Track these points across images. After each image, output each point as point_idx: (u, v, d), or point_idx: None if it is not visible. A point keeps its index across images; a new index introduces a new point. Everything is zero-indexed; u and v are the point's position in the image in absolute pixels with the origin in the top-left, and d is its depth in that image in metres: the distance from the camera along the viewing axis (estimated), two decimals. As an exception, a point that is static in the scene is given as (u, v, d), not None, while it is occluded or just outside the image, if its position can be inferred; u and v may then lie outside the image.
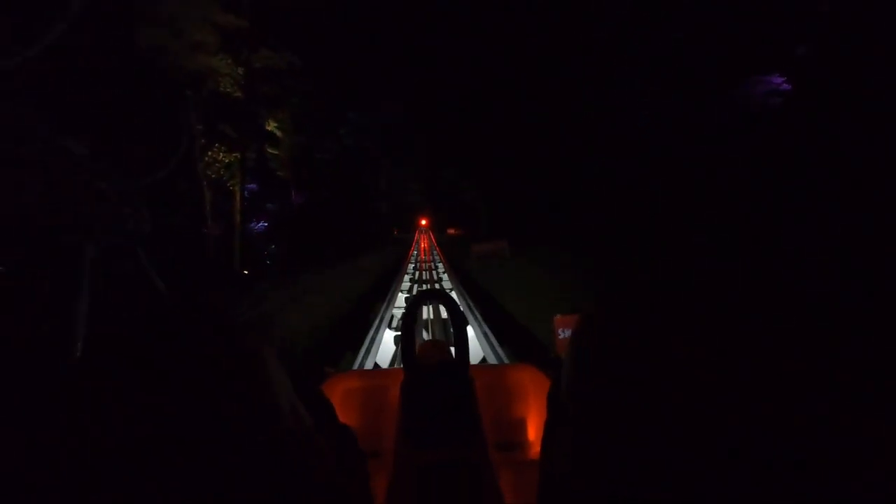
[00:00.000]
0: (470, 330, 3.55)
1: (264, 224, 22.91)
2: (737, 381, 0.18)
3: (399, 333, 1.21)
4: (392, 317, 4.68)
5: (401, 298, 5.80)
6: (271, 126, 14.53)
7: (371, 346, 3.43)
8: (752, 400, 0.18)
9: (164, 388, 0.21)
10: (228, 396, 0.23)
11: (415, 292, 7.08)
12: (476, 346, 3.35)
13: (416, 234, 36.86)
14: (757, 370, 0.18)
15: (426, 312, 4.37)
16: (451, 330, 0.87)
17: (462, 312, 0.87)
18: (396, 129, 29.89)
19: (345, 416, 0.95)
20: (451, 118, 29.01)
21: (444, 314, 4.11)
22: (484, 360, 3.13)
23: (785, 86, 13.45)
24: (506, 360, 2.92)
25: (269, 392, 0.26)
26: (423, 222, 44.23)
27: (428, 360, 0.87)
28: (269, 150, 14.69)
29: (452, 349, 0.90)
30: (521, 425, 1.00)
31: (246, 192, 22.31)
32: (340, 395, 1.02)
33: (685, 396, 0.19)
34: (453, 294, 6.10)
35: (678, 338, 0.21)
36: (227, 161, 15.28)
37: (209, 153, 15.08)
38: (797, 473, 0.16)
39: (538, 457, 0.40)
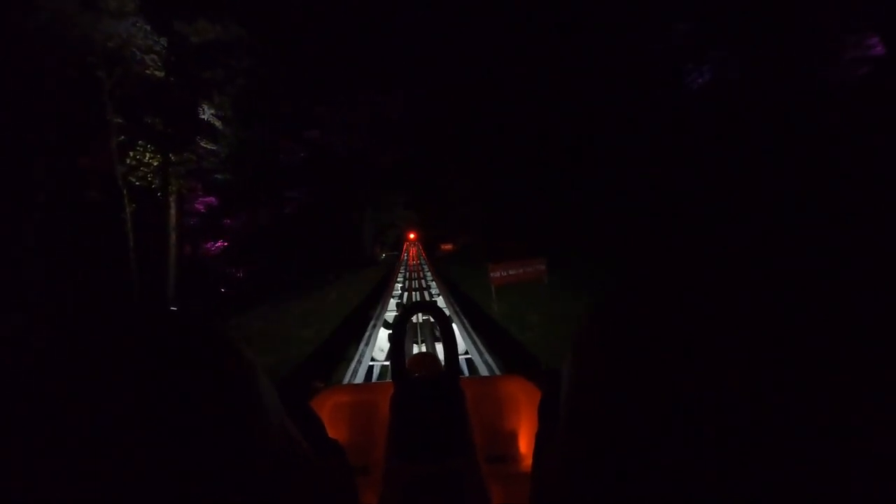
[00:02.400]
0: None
1: (223, 244, 19.22)
2: (736, 388, 0.18)
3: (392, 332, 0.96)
4: (385, 321, 4.61)
5: (392, 304, 5.74)
6: (206, 114, 11.05)
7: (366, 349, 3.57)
8: (752, 409, 0.18)
9: (152, 398, 0.20)
10: (218, 410, 0.22)
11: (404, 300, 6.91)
12: (459, 340, 3.25)
13: (405, 247, 33.99)
14: (758, 379, 0.18)
15: (414, 317, 4.03)
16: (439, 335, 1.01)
17: (451, 323, 0.86)
18: (387, 129, 26.49)
19: (334, 430, 0.92)
20: (451, 112, 25.91)
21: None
22: (472, 362, 3.22)
23: (878, 49, 10.49)
24: (496, 372, 2.87)
25: (259, 406, 0.25)
26: (412, 236, 41.92)
27: (418, 372, 0.87)
28: (204, 145, 11.16)
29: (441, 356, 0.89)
30: (512, 437, 0.96)
31: (202, 207, 18.84)
32: (329, 410, 0.99)
33: (683, 405, 0.19)
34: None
35: (674, 345, 0.21)
36: (156, 164, 11.75)
37: (132, 153, 11.56)
38: (798, 480, 0.16)
39: (530, 469, 0.41)
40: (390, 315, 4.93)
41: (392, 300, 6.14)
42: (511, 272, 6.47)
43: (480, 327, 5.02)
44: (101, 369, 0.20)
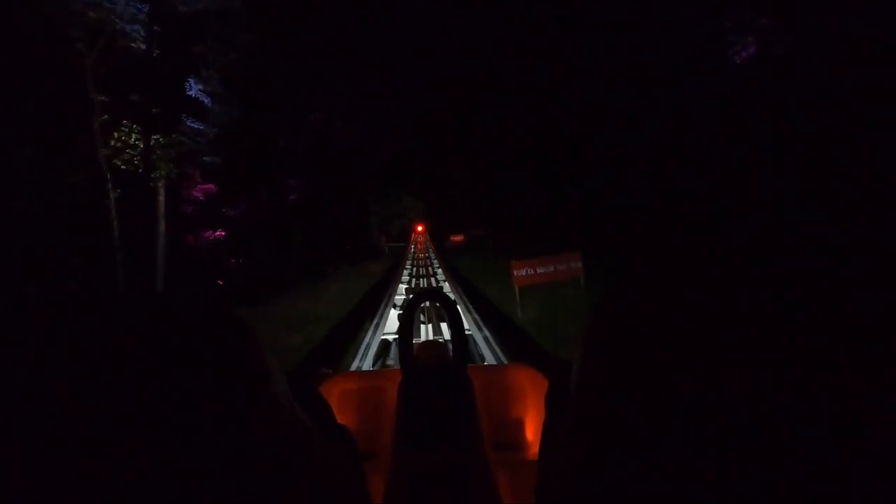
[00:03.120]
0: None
1: (221, 234, 18.34)
2: (736, 388, 0.18)
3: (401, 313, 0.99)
4: (384, 340, 4.15)
5: (392, 315, 5.15)
6: (193, 89, 10.03)
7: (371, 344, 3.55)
8: (752, 409, 0.18)
9: (154, 397, 0.20)
10: (220, 409, 0.22)
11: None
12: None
13: (412, 238, 33.02)
14: (758, 379, 0.18)
15: (424, 332, 4.08)
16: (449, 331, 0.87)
17: (459, 313, 0.87)
18: (386, 120, 25.35)
19: (342, 416, 0.91)
20: (450, 103, 24.70)
21: (443, 329, 3.95)
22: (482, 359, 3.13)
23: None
24: (504, 361, 2.85)
25: (268, 392, 0.25)
26: (420, 228, 40.62)
27: (426, 360, 0.88)
28: (190, 123, 10.16)
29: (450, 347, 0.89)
30: (518, 425, 0.96)
31: (201, 195, 17.93)
32: (338, 396, 0.99)
33: (685, 398, 0.19)
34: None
35: (674, 344, 0.21)
36: (142, 145, 10.81)
37: (115, 134, 10.62)
38: (798, 480, 0.17)
39: (536, 457, 0.41)
40: (390, 335, 4.04)
41: (393, 310, 5.12)
42: (539, 270, 5.44)
43: (507, 341, 4.01)
44: (102, 368, 0.20)
